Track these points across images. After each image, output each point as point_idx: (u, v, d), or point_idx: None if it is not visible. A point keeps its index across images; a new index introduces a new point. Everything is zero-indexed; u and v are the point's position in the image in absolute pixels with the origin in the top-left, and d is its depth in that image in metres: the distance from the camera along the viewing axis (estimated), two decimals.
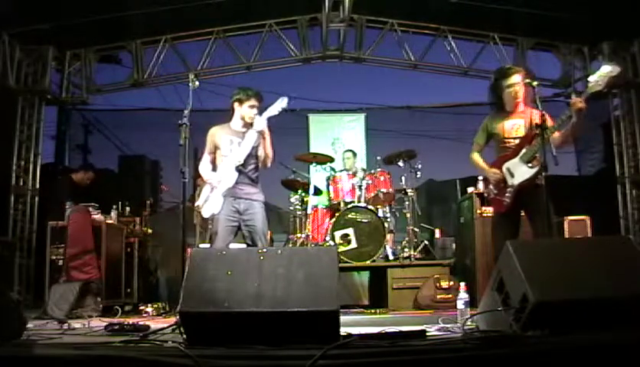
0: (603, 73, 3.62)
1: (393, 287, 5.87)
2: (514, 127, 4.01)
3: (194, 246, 6.00)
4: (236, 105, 4.42)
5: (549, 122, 3.78)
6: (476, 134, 4.23)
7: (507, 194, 3.94)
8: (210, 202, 4.28)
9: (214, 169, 4.39)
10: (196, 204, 4.41)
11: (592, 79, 3.66)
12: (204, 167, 4.44)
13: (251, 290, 2.53)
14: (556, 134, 3.78)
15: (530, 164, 3.85)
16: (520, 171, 3.89)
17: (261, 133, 4.26)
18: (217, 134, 4.41)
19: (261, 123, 4.23)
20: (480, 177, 5.93)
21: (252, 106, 4.37)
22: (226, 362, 2.14)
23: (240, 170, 4.27)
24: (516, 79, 4.01)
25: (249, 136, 4.33)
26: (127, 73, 8.31)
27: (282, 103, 4.30)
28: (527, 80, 3.92)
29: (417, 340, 2.56)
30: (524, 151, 3.89)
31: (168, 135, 7.46)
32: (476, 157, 4.21)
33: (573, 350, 2.17)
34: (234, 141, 4.36)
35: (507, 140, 4.02)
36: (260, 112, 4.32)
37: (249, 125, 4.38)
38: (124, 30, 7.76)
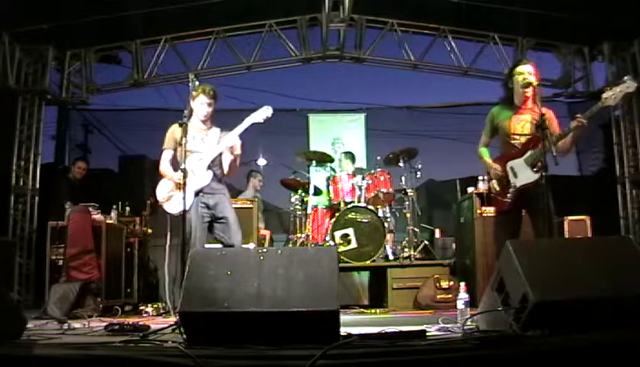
0: (619, 89, 3.54)
1: (393, 287, 5.88)
2: (520, 123, 3.96)
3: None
4: (190, 100, 4.43)
5: (554, 126, 3.77)
6: (484, 125, 4.19)
7: (508, 194, 3.92)
8: (177, 199, 4.26)
9: (175, 165, 4.39)
10: (160, 198, 4.42)
11: (606, 94, 3.58)
12: (166, 163, 4.44)
13: (251, 290, 2.53)
14: (560, 143, 3.77)
15: (534, 168, 3.81)
16: (523, 173, 3.87)
17: (231, 149, 4.35)
18: (177, 131, 4.33)
19: (232, 139, 4.31)
20: (480, 177, 5.94)
21: (202, 103, 4.41)
22: (226, 362, 2.14)
23: (212, 170, 4.35)
24: (527, 68, 3.95)
25: (212, 134, 4.42)
26: (127, 73, 8.30)
27: (267, 112, 4.38)
28: (531, 78, 3.88)
29: (417, 340, 2.56)
30: (529, 153, 3.85)
31: None
32: (483, 151, 4.17)
33: (573, 350, 2.17)
34: (197, 137, 4.40)
35: (513, 136, 3.97)
36: (243, 117, 4.38)
37: (208, 122, 4.48)
38: (124, 30, 7.76)
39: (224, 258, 2.70)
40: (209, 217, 4.37)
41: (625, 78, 3.62)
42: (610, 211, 7.58)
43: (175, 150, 4.43)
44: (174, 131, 4.40)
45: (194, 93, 4.38)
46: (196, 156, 4.33)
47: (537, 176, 3.79)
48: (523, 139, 3.94)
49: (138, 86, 8.30)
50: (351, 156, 7.32)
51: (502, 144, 4.08)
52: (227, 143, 4.33)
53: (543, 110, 3.80)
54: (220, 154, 4.43)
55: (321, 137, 9.10)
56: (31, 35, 7.23)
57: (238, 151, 4.38)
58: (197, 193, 4.30)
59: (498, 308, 2.70)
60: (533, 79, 3.89)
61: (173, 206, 4.34)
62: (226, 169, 4.47)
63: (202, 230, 4.33)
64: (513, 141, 3.98)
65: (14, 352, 2.32)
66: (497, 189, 4.01)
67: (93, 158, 9.33)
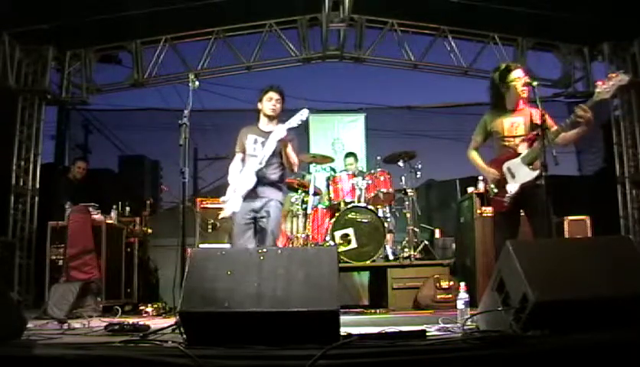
0: (612, 82, 3.56)
1: (393, 287, 5.88)
2: (513, 125, 3.99)
3: (194, 246, 6.00)
4: (259, 105, 4.51)
5: (549, 122, 3.78)
6: (475, 129, 4.20)
7: (507, 194, 3.93)
8: (231, 202, 4.32)
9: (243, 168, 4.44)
10: (221, 199, 4.50)
11: (600, 88, 3.60)
12: (234, 166, 4.47)
13: (251, 290, 2.53)
14: (559, 138, 3.78)
15: (531, 166, 3.83)
16: (521, 173, 3.88)
17: (281, 142, 4.26)
18: (244, 134, 4.48)
19: (280, 132, 4.23)
20: (480, 177, 5.94)
21: (269, 99, 4.44)
22: (226, 362, 2.14)
23: (260, 175, 4.29)
24: (520, 73, 3.98)
25: (272, 136, 4.31)
26: (127, 73, 8.31)
27: (301, 116, 4.29)
28: (528, 80, 3.92)
29: (417, 340, 2.56)
30: (525, 152, 3.88)
31: (168, 135, 7.49)
32: (474, 155, 4.18)
33: (573, 350, 2.17)
34: (258, 141, 4.39)
35: (506, 138, 4.00)
36: (283, 120, 4.35)
37: (274, 121, 4.43)
38: (124, 30, 7.76)
39: (224, 258, 2.70)
40: (252, 219, 4.32)
41: (618, 71, 3.66)
42: (610, 211, 7.57)
43: (244, 152, 4.46)
44: (242, 133, 4.49)
45: (261, 95, 4.45)
46: (254, 160, 4.31)
47: (534, 174, 3.80)
48: (517, 140, 3.98)
49: (138, 86, 8.30)
50: (354, 156, 7.35)
51: (496, 147, 4.11)
52: (269, 149, 4.27)
53: (534, 113, 3.83)
54: (279, 153, 4.34)
55: (321, 137, 9.09)
56: (31, 35, 7.23)
57: (288, 142, 4.27)
58: (244, 198, 4.28)
59: (498, 308, 2.70)
60: (529, 80, 3.92)
61: (227, 209, 4.35)
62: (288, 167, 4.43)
63: (244, 232, 4.30)
64: (507, 143, 4.01)
65: (14, 352, 2.32)
66: (495, 190, 4.02)
67: (93, 158, 9.35)
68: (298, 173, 6.97)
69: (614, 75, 3.59)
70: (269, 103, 4.43)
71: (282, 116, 4.53)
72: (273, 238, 4.32)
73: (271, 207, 4.32)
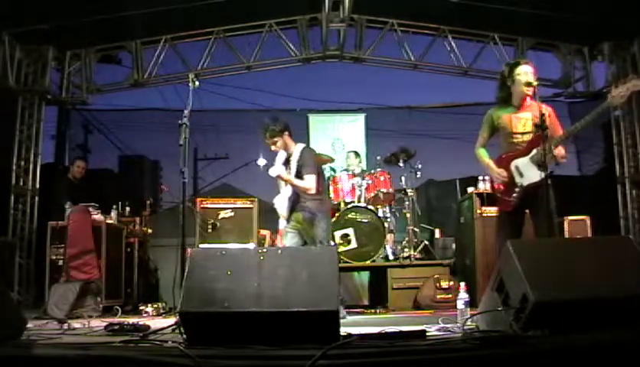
0: (626, 87, 3.51)
1: (393, 287, 5.89)
2: (521, 121, 3.92)
3: (194, 246, 6.00)
4: None
5: (555, 126, 3.76)
6: (481, 126, 4.15)
7: (514, 194, 3.88)
8: (280, 221, 4.72)
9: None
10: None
11: (614, 92, 3.55)
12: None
13: (251, 290, 2.53)
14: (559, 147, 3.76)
15: (540, 166, 3.78)
16: (530, 172, 3.82)
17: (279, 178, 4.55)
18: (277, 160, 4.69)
19: (273, 174, 4.54)
20: (480, 177, 5.93)
21: (268, 144, 4.62)
22: (226, 362, 2.14)
23: (290, 198, 4.60)
24: (527, 69, 3.94)
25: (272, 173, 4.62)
26: (127, 73, 8.31)
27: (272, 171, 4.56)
28: (529, 79, 3.88)
29: (417, 340, 2.56)
30: (534, 151, 3.80)
31: (168, 135, 7.50)
32: (482, 153, 4.10)
33: (573, 350, 2.17)
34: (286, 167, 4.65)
35: (515, 135, 3.93)
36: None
37: (289, 148, 4.65)
38: (124, 30, 7.76)
39: (224, 258, 2.70)
40: (297, 230, 4.64)
41: (631, 76, 3.61)
42: (610, 211, 7.58)
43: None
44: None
45: None
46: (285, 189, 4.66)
47: (543, 174, 3.75)
48: (526, 137, 3.90)
49: (138, 86, 8.30)
50: (357, 154, 7.34)
51: (504, 144, 4.03)
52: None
53: (543, 108, 3.78)
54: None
55: (321, 137, 9.08)
56: (31, 35, 7.23)
57: (285, 177, 4.55)
58: (287, 220, 4.67)
59: (498, 308, 2.70)
60: (533, 79, 3.89)
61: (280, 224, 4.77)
62: None
63: (289, 238, 4.63)
64: (515, 140, 3.94)
65: (14, 352, 2.32)
66: (502, 188, 3.98)
67: (93, 158, 9.34)
68: None
69: (627, 80, 3.54)
70: (272, 147, 4.61)
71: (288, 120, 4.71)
72: (323, 239, 4.54)
73: (314, 221, 4.54)
